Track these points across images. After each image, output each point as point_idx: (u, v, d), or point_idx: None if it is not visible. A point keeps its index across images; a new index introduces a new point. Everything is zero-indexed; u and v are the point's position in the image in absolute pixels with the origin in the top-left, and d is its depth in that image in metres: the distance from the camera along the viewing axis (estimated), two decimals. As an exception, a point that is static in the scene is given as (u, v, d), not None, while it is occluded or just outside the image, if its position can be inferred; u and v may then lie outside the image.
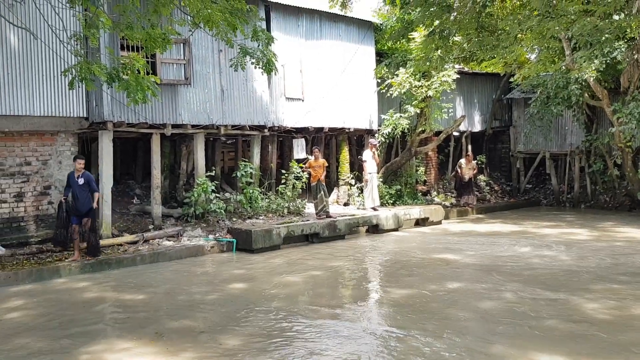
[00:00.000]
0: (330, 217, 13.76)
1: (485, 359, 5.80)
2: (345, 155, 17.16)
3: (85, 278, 9.67)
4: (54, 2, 10.23)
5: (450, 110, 17.68)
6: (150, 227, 12.53)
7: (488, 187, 20.73)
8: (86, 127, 11.76)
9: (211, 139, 15.25)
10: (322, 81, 15.74)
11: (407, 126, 16.36)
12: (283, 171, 15.02)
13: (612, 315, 7.15)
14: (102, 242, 11.17)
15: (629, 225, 14.94)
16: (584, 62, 15.09)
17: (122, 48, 11.70)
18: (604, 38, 13.91)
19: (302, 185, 14.88)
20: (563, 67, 16.75)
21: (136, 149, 15.38)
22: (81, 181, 10.13)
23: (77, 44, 9.58)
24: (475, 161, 18.94)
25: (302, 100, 15.30)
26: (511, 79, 20.05)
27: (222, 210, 13.18)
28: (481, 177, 20.84)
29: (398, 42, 17.36)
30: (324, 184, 14.18)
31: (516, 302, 7.84)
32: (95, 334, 6.77)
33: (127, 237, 11.61)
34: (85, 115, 11.66)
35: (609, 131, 17.25)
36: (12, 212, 10.99)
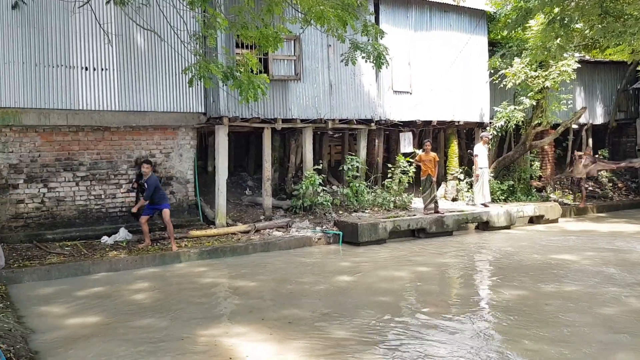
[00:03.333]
0: (438, 212, 13.51)
1: (607, 368, 5.44)
2: (454, 149, 16.75)
3: (203, 264, 10.26)
4: (176, 4, 10.90)
5: (569, 102, 16.64)
6: (261, 217, 13.02)
7: (611, 184, 19.30)
8: (204, 122, 12.43)
9: (319, 132, 15.52)
10: (431, 73, 15.44)
11: (522, 119, 15.62)
12: (389, 165, 14.95)
13: None
14: (217, 230, 11.81)
15: None
16: None
17: (237, 46, 12.22)
18: None
19: (409, 180, 14.73)
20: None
21: (248, 142, 16.01)
22: (145, 185, 10.52)
23: (196, 44, 10.14)
24: (596, 155, 17.67)
25: (410, 93, 15.11)
26: (638, 68, 18.45)
27: (329, 203, 13.40)
28: (603, 173, 19.44)
29: (513, 31, 16.58)
30: (434, 178, 13.95)
31: (643, 309, 7.26)
32: (212, 318, 7.16)
33: (240, 227, 12.15)
34: (203, 111, 12.33)
35: None
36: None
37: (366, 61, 10.26)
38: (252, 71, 9.36)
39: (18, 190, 10.82)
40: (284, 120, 13.16)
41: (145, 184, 10.52)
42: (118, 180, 11.75)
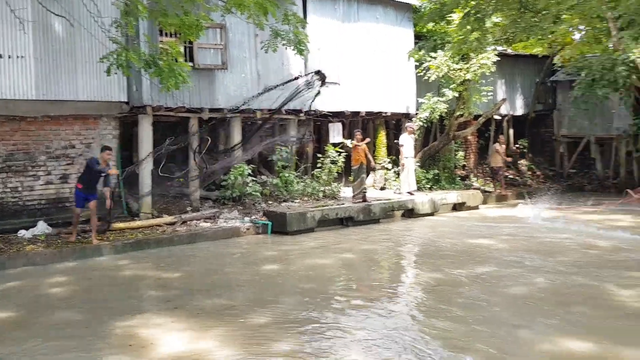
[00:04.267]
0: (366, 201, 13.80)
1: (511, 344, 5.79)
2: (382, 139, 17.11)
3: (126, 257, 10.06)
4: (94, -10, 10.56)
5: (490, 94, 17.33)
6: (188, 209, 12.88)
7: (530, 172, 20.29)
8: (127, 111, 12.13)
9: (248, 122, 15.46)
10: (359, 65, 15.69)
11: (445, 110, 16.16)
12: (319, 155, 15.11)
13: (646, 303, 6.99)
14: (141, 222, 11.59)
15: (676, 212, 14.42)
16: (630, 42, 14.52)
17: (161, 34, 11.97)
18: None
19: (338, 169, 14.94)
20: (610, 47, 16.17)
21: (176, 132, 15.72)
22: (107, 170, 10.21)
23: (117, 31, 9.89)
24: (516, 146, 18.52)
25: (338, 84, 15.30)
26: (555, 61, 19.46)
27: (259, 194, 13.41)
28: (522, 161, 20.41)
29: (437, 24, 17.10)
30: (365, 167, 14.22)
31: (547, 287, 7.75)
32: (132, 310, 7.07)
33: (166, 218, 11.98)
34: (126, 100, 12.03)
35: (658, 114, 16.60)
36: (58, 192, 11.49)
37: (286, 48, 10.34)
38: (176, 60, 9.25)
39: None
40: (211, 110, 13.04)
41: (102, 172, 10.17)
42: (36, 172, 11.29)
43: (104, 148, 10.47)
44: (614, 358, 5.38)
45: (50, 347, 5.83)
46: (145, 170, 12.20)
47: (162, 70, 8.29)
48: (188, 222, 12.09)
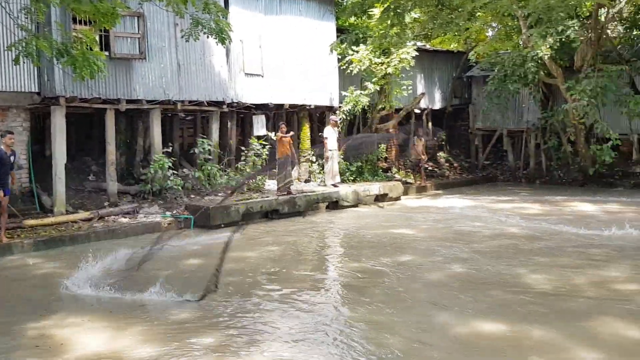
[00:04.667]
0: (290, 193, 13.83)
1: (429, 328, 6.00)
2: (306, 132, 17.19)
3: (38, 255, 9.57)
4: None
5: (410, 88, 17.82)
6: (106, 204, 12.39)
7: (447, 164, 21.08)
8: (38, 102, 11.49)
9: (169, 114, 15.07)
10: (282, 57, 15.66)
11: (368, 103, 16.45)
12: (243, 148, 14.97)
13: (552, 286, 7.45)
14: (55, 219, 11.05)
15: (579, 199, 15.45)
16: (538, 39, 15.37)
17: (74, 22, 11.40)
18: (556, 16, 14.18)
19: (262, 162, 14.87)
20: (521, 44, 17.05)
21: (92, 124, 15.09)
22: (13, 158, 9.79)
23: (27, 18, 9.32)
24: (435, 138, 19.15)
25: (262, 76, 15.21)
26: (470, 57, 20.27)
27: (180, 187, 13.12)
28: (441, 153, 21.15)
29: (359, 18, 17.36)
30: (290, 160, 14.21)
31: (463, 274, 8.10)
32: (46, 310, 6.75)
33: (81, 214, 11.47)
34: (37, 90, 11.39)
35: (562, 108, 17.68)
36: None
37: (208, 37, 10.15)
38: (90, 48, 8.84)
39: None
40: (129, 101, 12.59)
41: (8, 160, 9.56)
42: None
43: (5, 133, 9.85)
44: (524, 337, 5.70)
45: (-47, 353, 5.46)
46: (59, 165, 11.60)
47: (76, 59, 7.89)
48: (106, 217, 11.64)
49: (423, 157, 18.07)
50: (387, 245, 10.13)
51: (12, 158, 9.74)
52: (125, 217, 11.80)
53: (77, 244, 10.33)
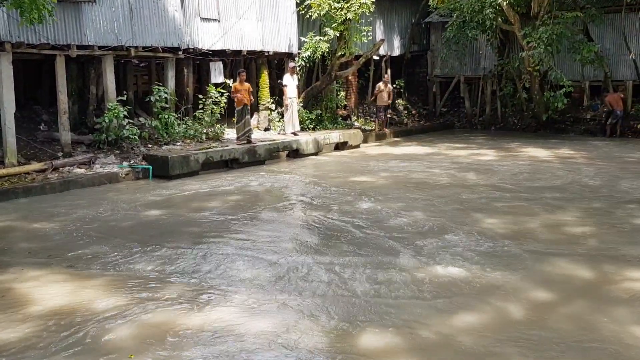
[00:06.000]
0: (250, 142, 13.69)
1: (390, 272, 6.17)
2: (265, 79, 16.89)
3: (-9, 208, 9.27)
4: None
5: (369, 34, 17.60)
6: (60, 154, 12.00)
7: (406, 111, 21.21)
8: (-20, 47, 10.85)
9: (122, 61, 14.51)
10: (239, 2, 15.15)
11: (327, 50, 16.20)
12: (200, 96, 14.63)
13: (508, 229, 7.73)
14: (7, 170, 10.67)
15: (532, 145, 15.91)
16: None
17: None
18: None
19: (221, 110, 14.60)
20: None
21: (41, 72, 14.41)
22: None
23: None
24: (392, 85, 19.16)
25: (218, 21, 14.73)
26: (429, 3, 20.10)
27: (137, 137, 12.80)
28: (399, 101, 21.24)
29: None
30: (249, 108, 14.00)
31: (423, 218, 8.30)
32: (4, 263, 6.58)
33: (35, 165, 11.10)
34: (-22, 35, 10.73)
35: (519, 55, 17.89)
36: None
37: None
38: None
39: None
40: (80, 47, 12.01)
41: None
42: None
43: None
44: (482, 279, 5.94)
45: None
46: (8, 114, 11.09)
47: (23, 2, 7.41)
48: (60, 168, 11.30)
49: (389, 103, 18.21)
50: (348, 192, 10.23)
51: None
52: (80, 168, 11.49)
53: (31, 196, 10.04)
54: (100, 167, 11.67)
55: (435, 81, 21.96)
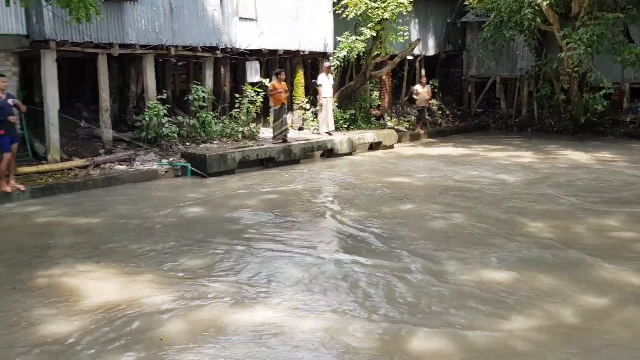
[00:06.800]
0: (286, 141, 13.74)
1: (434, 275, 6.12)
2: (300, 78, 16.92)
3: (36, 203, 9.48)
4: None
5: (405, 34, 17.50)
6: (101, 151, 12.23)
7: (440, 112, 21.01)
8: (27, 46, 11.11)
9: (161, 60, 14.71)
10: (276, 1, 15.22)
11: (363, 49, 16.15)
12: (237, 95, 14.74)
13: (554, 233, 7.59)
14: (50, 166, 10.91)
15: (571, 148, 15.60)
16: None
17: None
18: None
19: (257, 110, 14.69)
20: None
21: (84, 70, 14.70)
22: (11, 101, 9.52)
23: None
24: (429, 85, 19.05)
25: (256, 21, 14.82)
26: (466, 2, 19.88)
27: (175, 135, 12.96)
28: (433, 101, 21.03)
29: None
30: (286, 108, 14.06)
31: (465, 222, 8.20)
32: (52, 258, 6.74)
33: (77, 162, 11.33)
34: (25, 34, 10.99)
35: (557, 56, 17.56)
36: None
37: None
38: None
39: None
40: (122, 46, 12.22)
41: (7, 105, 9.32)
42: None
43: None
44: (531, 282, 5.84)
45: (-34, 301, 5.46)
46: (52, 111, 11.35)
47: (71, 0, 7.57)
48: (101, 165, 11.51)
49: (428, 104, 18.26)
50: (385, 193, 10.19)
51: (10, 101, 9.46)
52: (121, 165, 11.68)
53: (74, 191, 10.25)
54: (141, 164, 11.85)
55: (470, 81, 21.71)
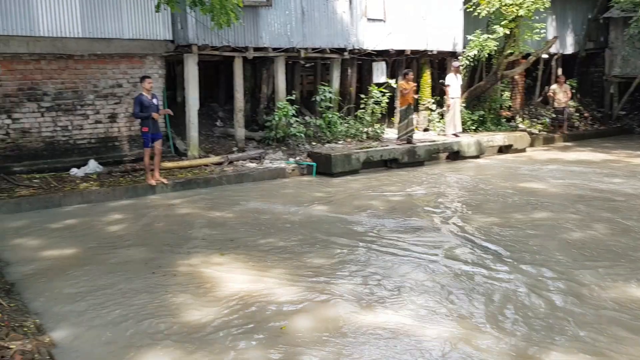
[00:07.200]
0: (411, 142, 13.58)
1: (575, 289, 5.71)
2: (426, 79, 16.65)
3: (177, 195, 10.21)
4: None
5: (543, 32, 16.55)
6: (234, 149, 12.91)
7: (578, 114, 19.63)
8: (172, 50, 12.00)
9: (290, 62, 15.19)
10: (405, 1, 15.09)
11: (495, 48, 15.51)
12: (362, 95, 14.82)
13: None
14: (189, 162, 11.70)
15: None
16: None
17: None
18: None
19: (382, 110, 14.67)
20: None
21: (218, 72, 15.60)
22: (156, 101, 10.32)
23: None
24: (567, 85, 17.90)
25: (384, 21, 14.80)
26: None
27: (302, 134, 13.33)
28: (571, 102, 19.71)
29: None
30: (413, 109, 13.94)
31: (607, 234, 7.58)
32: (190, 248, 7.20)
33: (213, 158, 12.05)
34: (171, 39, 11.88)
35: None
36: (107, 132, 11.61)
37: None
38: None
39: (-20, 121, 10.41)
40: (256, 49, 12.81)
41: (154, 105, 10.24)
42: (85, 111, 11.37)
43: (144, 78, 10.34)
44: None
45: (115, 284, 5.99)
46: (192, 110, 12.18)
47: (214, 7, 8.07)
48: (234, 162, 12.14)
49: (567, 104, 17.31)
50: (517, 199, 9.70)
51: (154, 101, 10.30)
52: (252, 162, 12.24)
53: (210, 186, 10.90)
54: (269, 162, 12.33)
55: (613, 81, 20.04)
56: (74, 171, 10.81)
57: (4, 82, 10.51)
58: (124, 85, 11.71)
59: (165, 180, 10.48)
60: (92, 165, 10.99)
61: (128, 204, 9.61)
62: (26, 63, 10.68)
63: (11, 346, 4.18)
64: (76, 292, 5.73)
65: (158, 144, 10.38)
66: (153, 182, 10.29)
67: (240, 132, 13.08)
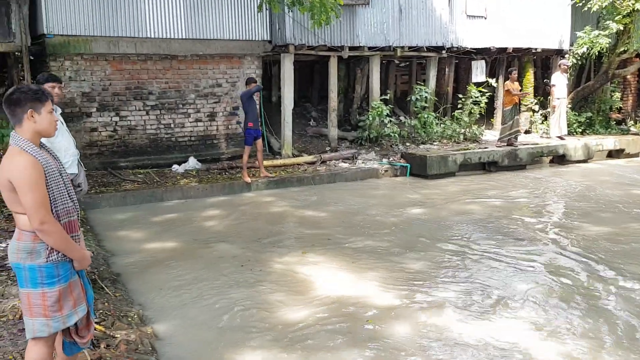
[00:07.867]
0: (511, 144, 12.92)
1: None
2: (529, 78, 15.82)
3: (271, 193, 10.28)
4: None
5: (662, 27, 15.22)
6: (327, 148, 12.87)
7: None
8: (269, 50, 12.15)
9: (384, 61, 14.96)
10: (507, -4, 14.43)
11: (607, 45, 14.43)
12: (459, 95, 14.30)
13: None
14: (283, 161, 11.78)
15: None
16: None
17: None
18: None
19: (480, 111, 14.08)
20: None
21: (312, 72, 15.67)
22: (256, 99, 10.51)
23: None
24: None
25: (485, 18, 14.19)
26: None
27: (396, 135, 13.06)
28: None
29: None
30: (518, 109, 13.30)
31: None
32: (284, 247, 7.18)
33: (306, 158, 12.06)
34: (268, 39, 12.03)
35: None
36: (206, 130, 11.94)
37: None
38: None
39: (91, 118, 11.02)
40: (351, 48, 12.69)
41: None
42: (186, 109, 11.77)
43: (250, 80, 10.45)
44: None
45: (212, 278, 6.05)
46: (287, 110, 12.27)
47: (314, 5, 8.02)
48: (327, 161, 12.09)
49: None
50: (632, 207, 8.90)
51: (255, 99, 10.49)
52: (344, 162, 12.14)
53: (303, 185, 10.90)
54: (362, 162, 12.17)
55: None
56: (175, 167, 11.20)
57: (113, 82, 11.08)
58: (223, 85, 12.00)
59: (270, 175, 10.64)
60: (192, 162, 11.33)
61: (224, 200, 9.79)
62: (133, 63, 11.20)
63: (116, 335, 4.28)
64: (176, 285, 5.85)
65: (259, 142, 10.53)
66: (249, 180, 10.43)
67: (333, 131, 13.02)
